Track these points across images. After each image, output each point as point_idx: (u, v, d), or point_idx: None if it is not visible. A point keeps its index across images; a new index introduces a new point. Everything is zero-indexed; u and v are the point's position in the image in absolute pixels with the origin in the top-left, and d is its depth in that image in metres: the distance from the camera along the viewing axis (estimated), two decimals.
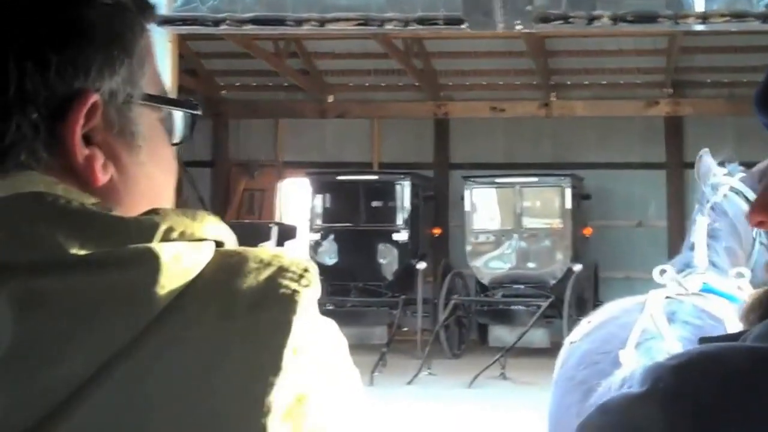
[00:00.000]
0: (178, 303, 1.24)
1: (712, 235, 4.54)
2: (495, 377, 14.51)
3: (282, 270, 1.28)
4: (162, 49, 10.68)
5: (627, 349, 3.42)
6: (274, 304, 1.25)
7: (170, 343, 1.21)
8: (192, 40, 16.88)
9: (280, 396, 1.20)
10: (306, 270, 1.29)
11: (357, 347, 16.38)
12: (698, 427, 1.09)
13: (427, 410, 12.58)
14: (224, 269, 1.28)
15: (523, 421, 10.82)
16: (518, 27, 10.87)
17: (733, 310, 3.66)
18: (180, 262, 1.26)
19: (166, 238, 1.29)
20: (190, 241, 1.31)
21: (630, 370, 3.09)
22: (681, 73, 18.25)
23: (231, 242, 1.37)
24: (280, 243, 18.09)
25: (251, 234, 17.03)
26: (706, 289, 4.03)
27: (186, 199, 16.98)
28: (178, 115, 1.55)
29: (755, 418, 1.06)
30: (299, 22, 11.52)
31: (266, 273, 1.28)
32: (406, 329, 17.26)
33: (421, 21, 11.32)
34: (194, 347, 1.22)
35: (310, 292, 1.28)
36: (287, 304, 1.25)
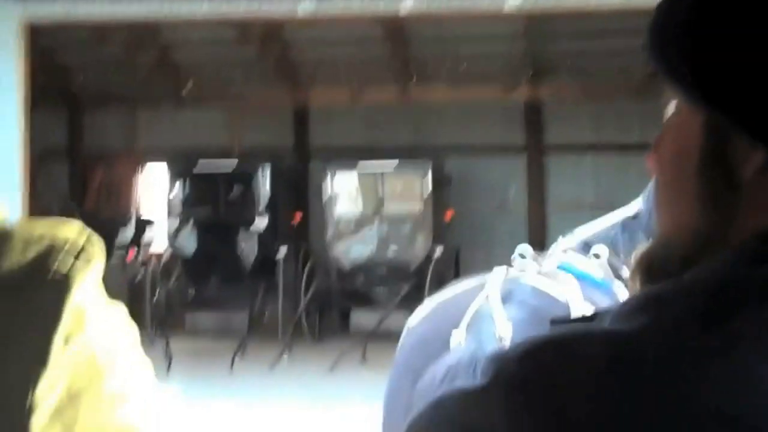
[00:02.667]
0: None
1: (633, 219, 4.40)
2: (356, 362, 14.60)
3: (56, 245, 1.15)
4: (11, 41, 10.76)
5: (458, 331, 3.22)
6: (42, 287, 1.12)
7: None
8: (45, 31, 16.67)
9: (48, 393, 1.08)
10: (85, 247, 1.17)
11: (217, 333, 16.59)
12: (542, 422, 1.00)
13: (287, 395, 12.59)
14: None
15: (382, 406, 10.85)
16: None
17: (580, 290, 3.57)
18: None
19: None
20: None
21: (457, 356, 2.97)
22: (539, 59, 18.45)
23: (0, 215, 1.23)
24: (137, 234, 18.16)
25: (109, 223, 16.99)
26: (562, 268, 3.89)
27: (42, 192, 16.78)
28: None
29: (604, 411, 0.97)
30: None
31: (36, 249, 1.14)
32: (267, 315, 17.27)
33: None
34: None
35: (89, 272, 1.15)
36: (58, 286, 1.12)
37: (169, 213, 17.72)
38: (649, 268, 1.18)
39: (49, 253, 1.14)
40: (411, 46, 18.05)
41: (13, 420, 1.06)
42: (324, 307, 17.40)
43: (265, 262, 17.13)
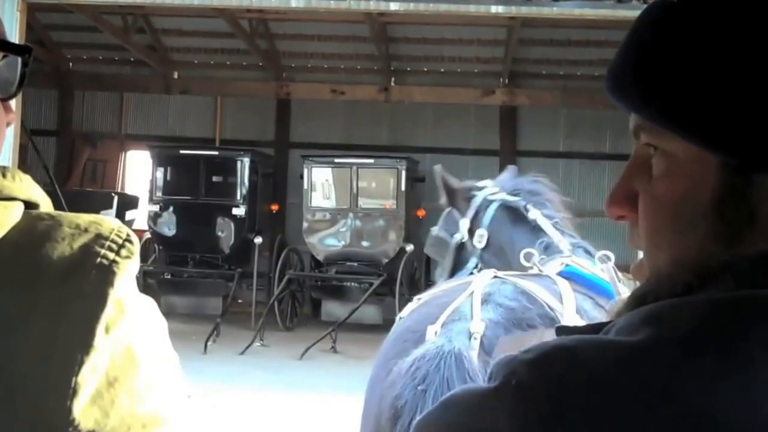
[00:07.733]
0: None
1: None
2: (326, 350, 14.72)
3: (100, 238, 1.18)
4: (11, 18, 10.59)
5: (433, 326, 3.38)
6: (89, 275, 1.14)
7: None
8: (41, 11, 16.83)
9: (89, 377, 1.10)
10: (128, 240, 1.20)
11: (193, 317, 16.48)
12: (550, 425, 1.04)
13: (258, 379, 12.73)
14: (33, 233, 1.16)
15: (350, 392, 11.06)
16: None
17: (566, 292, 3.63)
18: None
19: None
20: None
21: (424, 350, 3.20)
22: (517, 64, 18.60)
23: (46, 205, 1.25)
24: (120, 212, 18.04)
25: (93, 202, 16.97)
26: (570, 271, 3.98)
27: (30, 166, 16.91)
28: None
29: (611, 417, 1.02)
30: None
31: (82, 240, 1.17)
32: (240, 301, 17.45)
33: None
34: None
35: (130, 265, 1.18)
36: (103, 275, 1.15)
37: (150, 197, 17.69)
38: (643, 302, 1.17)
39: (96, 243, 1.16)
40: (394, 45, 18.22)
41: (57, 401, 1.08)
42: (296, 296, 17.52)
43: (242, 249, 17.21)
